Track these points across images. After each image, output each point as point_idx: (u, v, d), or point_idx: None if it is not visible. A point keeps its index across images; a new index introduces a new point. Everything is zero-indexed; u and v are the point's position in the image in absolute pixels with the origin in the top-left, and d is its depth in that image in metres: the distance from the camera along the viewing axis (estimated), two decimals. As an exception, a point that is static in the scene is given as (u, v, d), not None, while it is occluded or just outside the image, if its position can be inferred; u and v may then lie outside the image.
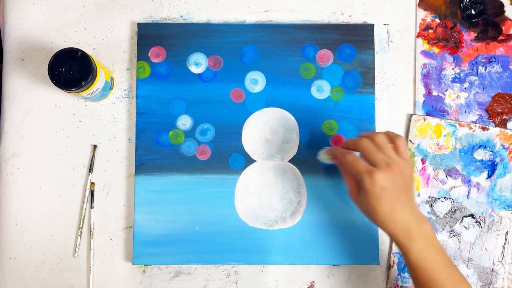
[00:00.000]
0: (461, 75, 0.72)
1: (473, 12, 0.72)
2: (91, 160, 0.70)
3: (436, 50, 0.72)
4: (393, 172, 0.57)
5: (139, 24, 0.71)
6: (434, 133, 0.70)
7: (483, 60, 0.72)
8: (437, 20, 0.72)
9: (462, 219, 0.70)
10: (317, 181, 0.70)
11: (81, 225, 0.70)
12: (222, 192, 0.70)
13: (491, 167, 0.70)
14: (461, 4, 0.73)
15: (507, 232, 0.70)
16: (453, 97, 0.71)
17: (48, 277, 0.69)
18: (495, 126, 0.71)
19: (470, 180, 0.70)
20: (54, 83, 0.62)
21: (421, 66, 0.72)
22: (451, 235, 0.69)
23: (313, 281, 0.70)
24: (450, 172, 0.70)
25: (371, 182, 0.57)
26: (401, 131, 0.71)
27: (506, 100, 0.71)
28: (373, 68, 0.71)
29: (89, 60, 0.63)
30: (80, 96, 0.66)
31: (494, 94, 0.71)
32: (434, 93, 0.71)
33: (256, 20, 0.73)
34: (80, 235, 0.70)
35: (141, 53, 0.71)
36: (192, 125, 0.71)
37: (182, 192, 0.69)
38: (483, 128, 0.71)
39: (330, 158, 0.65)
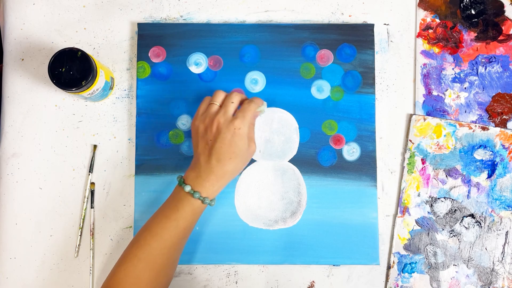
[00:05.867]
0: (461, 75, 0.72)
1: (473, 12, 0.72)
2: (91, 160, 0.70)
3: (436, 50, 0.72)
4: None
5: (139, 24, 0.71)
6: (434, 133, 0.70)
7: (483, 60, 0.72)
8: (437, 20, 0.72)
9: (462, 219, 0.70)
10: (317, 181, 0.70)
11: (81, 225, 0.70)
12: (222, 192, 0.69)
13: (491, 167, 0.70)
14: (461, 4, 0.73)
15: (507, 232, 0.70)
16: (453, 97, 0.71)
17: (48, 277, 0.69)
18: (495, 126, 0.71)
19: (470, 180, 0.70)
20: (54, 83, 0.62)
21: (421, 66, 0.72)
22: (451, 235, 0.69)
23: (313, 281, 0.70)
24: (450, 172, 0.70)
25: None
26: (401, 131, 0.71)
27: (506, 100, 0.71)
28: (373, 68, 0.71)
29: (89, 60, 0.63)
30: (80, 96, 0.66)
31: (494, 94, 0.71)
32: (434, 93, 0.71)
33: (256, 20, 0.73)
34: (80, 235, 0.70)
35: (141, 53, 0.71)
36: (192, 125, 0.71)
37: (182, 192, 0.69)
38: (483, 128, 0.70)
39: None
